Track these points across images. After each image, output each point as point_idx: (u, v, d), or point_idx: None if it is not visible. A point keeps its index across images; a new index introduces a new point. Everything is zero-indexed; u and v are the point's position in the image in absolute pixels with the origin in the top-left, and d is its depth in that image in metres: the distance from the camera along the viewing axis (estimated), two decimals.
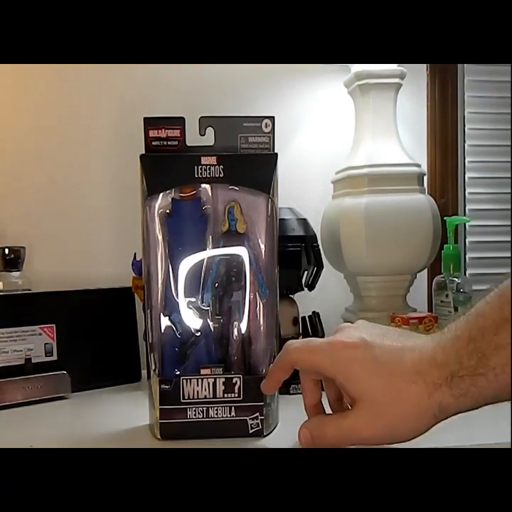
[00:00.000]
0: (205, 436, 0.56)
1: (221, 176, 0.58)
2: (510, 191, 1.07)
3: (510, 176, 1.06)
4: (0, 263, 0.87)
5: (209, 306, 0.60)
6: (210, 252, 0.60)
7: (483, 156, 1.09)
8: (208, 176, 0.58)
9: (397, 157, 0.86)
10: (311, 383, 0.51)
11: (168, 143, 0.60)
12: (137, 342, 0.84)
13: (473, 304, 0.43)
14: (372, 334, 0.45)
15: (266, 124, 0.61)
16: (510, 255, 1.05)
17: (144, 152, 0.59)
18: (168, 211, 0.60)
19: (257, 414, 0.56)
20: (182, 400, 0.56)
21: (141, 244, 0.60)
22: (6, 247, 0.87)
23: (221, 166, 0.58)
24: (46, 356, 0.74)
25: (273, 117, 0.61)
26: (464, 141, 1.09)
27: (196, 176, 0.58)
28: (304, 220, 0.79)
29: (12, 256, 0.87)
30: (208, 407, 0.56)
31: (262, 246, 0.60)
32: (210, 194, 0.61)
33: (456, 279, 0.82)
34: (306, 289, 0.80)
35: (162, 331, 0.59)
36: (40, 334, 0.75)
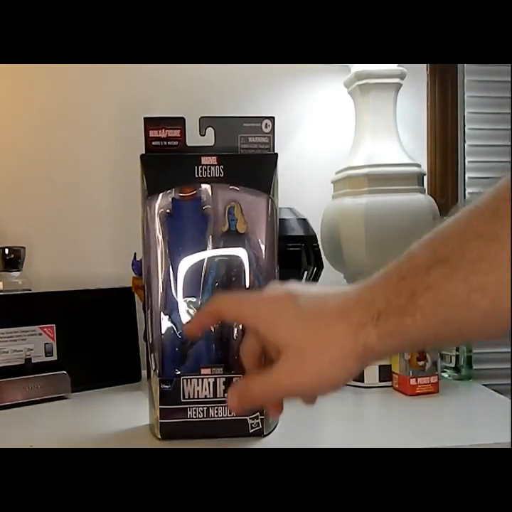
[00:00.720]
0: (205, 436, 0.56)
1: (221, 176, 0.58)
2: (510, 191, 1.07)
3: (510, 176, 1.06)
4: (0, 263, 0.87)
5: None
6: (210, 252, 0.60)
7: (483, 156, 1.09)
8: (208, 176, 0.58)
9: (397, 157, 0.86)
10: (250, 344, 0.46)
11: (168, 143, 0.60)
12: (137, 342, 0.84)
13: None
14: (297, 287, 0.44)
15: (266, 124, 0.61)
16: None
17: (144, 152, 0.59)
18: (168, 211, 0.60)
19: (257, 413, 0.56)
20: (182, 400, 0.56)
21: (141, 244, 0.60)
22: (6, 247, 0.87)
23: (221, 166, 0.58)
24: (46, 356, 0.74)
25: (273, 118, 0.61)
26: (464, 141, 1.09)
27: (196, 176, 0.58)
28: (304, 220, 0.79)
29: (12, 256, 0.87)
30: (208, 407, 0.56)
31: (262, 246, 0.60)
32: (210, 194, 0.61)
33: None
34: None
35: (162, 331, 0.59)
36: (40, 334, 0.75)
